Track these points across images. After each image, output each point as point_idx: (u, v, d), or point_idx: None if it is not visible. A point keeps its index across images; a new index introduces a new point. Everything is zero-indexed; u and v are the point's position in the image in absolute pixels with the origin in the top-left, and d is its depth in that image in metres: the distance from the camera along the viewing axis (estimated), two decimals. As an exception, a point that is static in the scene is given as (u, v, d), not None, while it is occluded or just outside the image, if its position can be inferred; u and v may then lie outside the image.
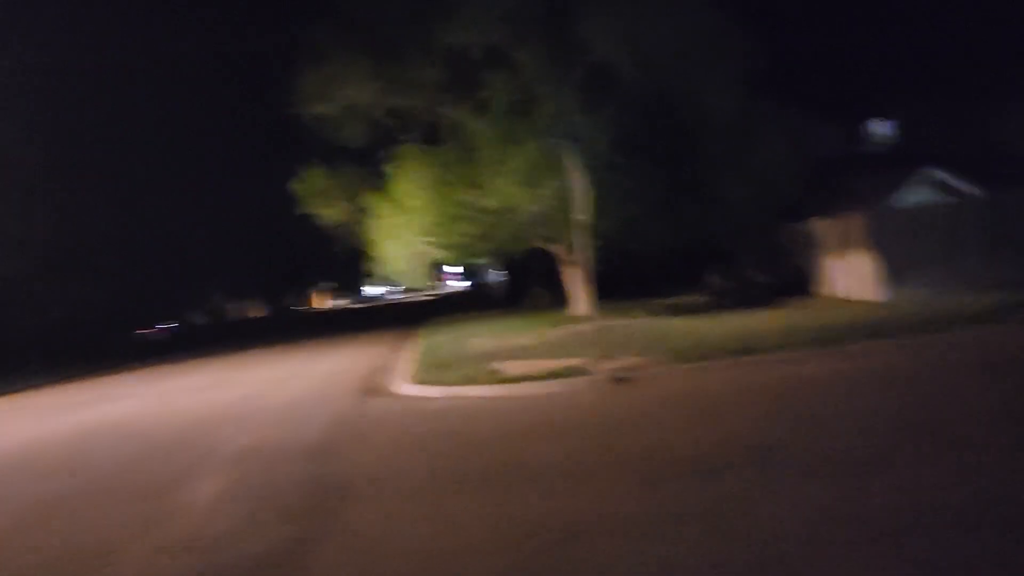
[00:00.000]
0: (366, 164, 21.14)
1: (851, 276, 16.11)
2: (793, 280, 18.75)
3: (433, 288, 61.05)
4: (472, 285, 56.62)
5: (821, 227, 17.47)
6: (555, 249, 20.59)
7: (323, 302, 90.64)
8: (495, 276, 45.21)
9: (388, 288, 72.74)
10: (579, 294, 21.29)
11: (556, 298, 27.78)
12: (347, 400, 10.99)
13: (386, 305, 67.10)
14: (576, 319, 18.80)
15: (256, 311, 77.10)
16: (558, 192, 16.73)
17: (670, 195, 18.98)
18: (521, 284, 33.69)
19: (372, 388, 12.13)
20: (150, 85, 39.15)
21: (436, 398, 10.49)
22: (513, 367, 11.57)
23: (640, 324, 15.35)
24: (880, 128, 25.19)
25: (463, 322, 24.15)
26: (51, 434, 11.19)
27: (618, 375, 9.95)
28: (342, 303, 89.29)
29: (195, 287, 56.29)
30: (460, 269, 54.67)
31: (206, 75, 39.11)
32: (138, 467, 7.96)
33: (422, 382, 11.41)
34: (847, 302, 15.80)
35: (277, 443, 8.22)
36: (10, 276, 33.44)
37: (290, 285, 73.94)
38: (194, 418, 10.88)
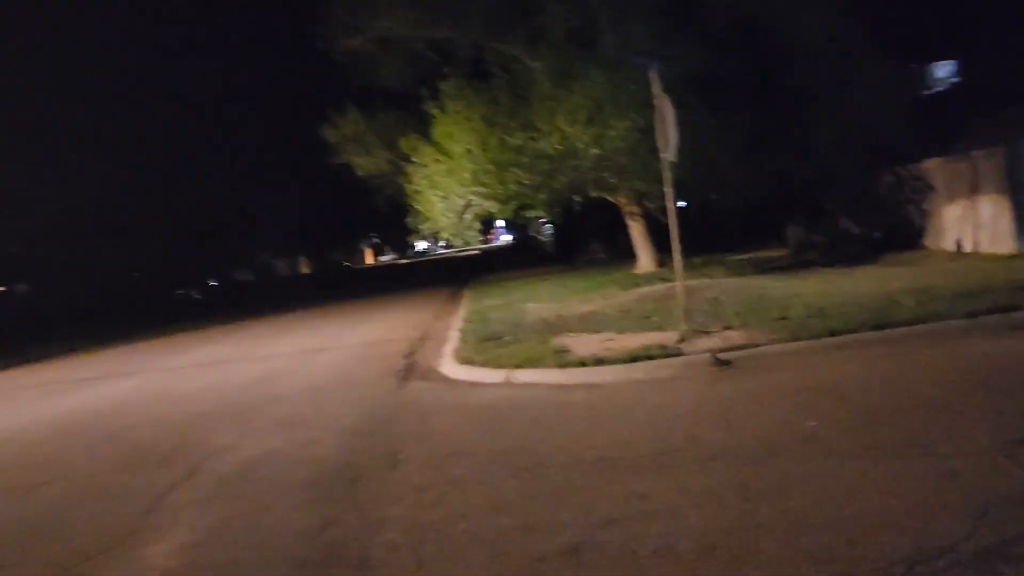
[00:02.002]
0: (406, 108, 19.03)
1: (976, 225, 13.48)
2: (897, 231, 16.14)
3: (481, 243, 59.12)
4: (519, 239, 54.29)
5: (936, 169, 14.77)
6: (618, 199, 18.25)
7: (372, 258, 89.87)
8: (544, 230, 42.89)
9: (435, 243, 70.99)
10: (646, 249, 19.02)
11: (615, 254, 25.49)
12: (381, 386, 9.03)
13: (433, 260, 65.53)
14: (646, 278, 16.55)
15: (305, 267, 76.38)
16: (626, 132, 14.40)
17: (751, 137, 16.50)
18: (574, 238, 31.37)
19: (412, 367, 10.16)
20: (193, 41, 37.57)
21: (491, 385, 8.44)
22: (583, 343, 9.44)
23: (725, 285, 13.05)
24: (943, 69, 22.03)
25: (513, 281, 22.08)
26: (27, 427, 9.51)
27: (720, 356, 7.77)
28: (390, 258, 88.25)
29: (244, 244, 55.43)
30: (505, 222, 52.42)
31: (248, 25, 37.31)
32: (100, 492, 6.12)
33: (473, 362, 9.37)
34: (973, 256, 13.26)
35: (281, 462, 6.27)
36: (47, 236, 32.44)
37: (340, 241, 72.80)
38: (195, 410, 9.05)
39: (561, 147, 14.68)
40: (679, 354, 8.06)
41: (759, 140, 16.90)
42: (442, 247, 74.82)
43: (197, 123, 41.06)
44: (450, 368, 9.57)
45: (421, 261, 69.80)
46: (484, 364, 9.12)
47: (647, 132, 14.29)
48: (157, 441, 7.70)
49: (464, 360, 9.60)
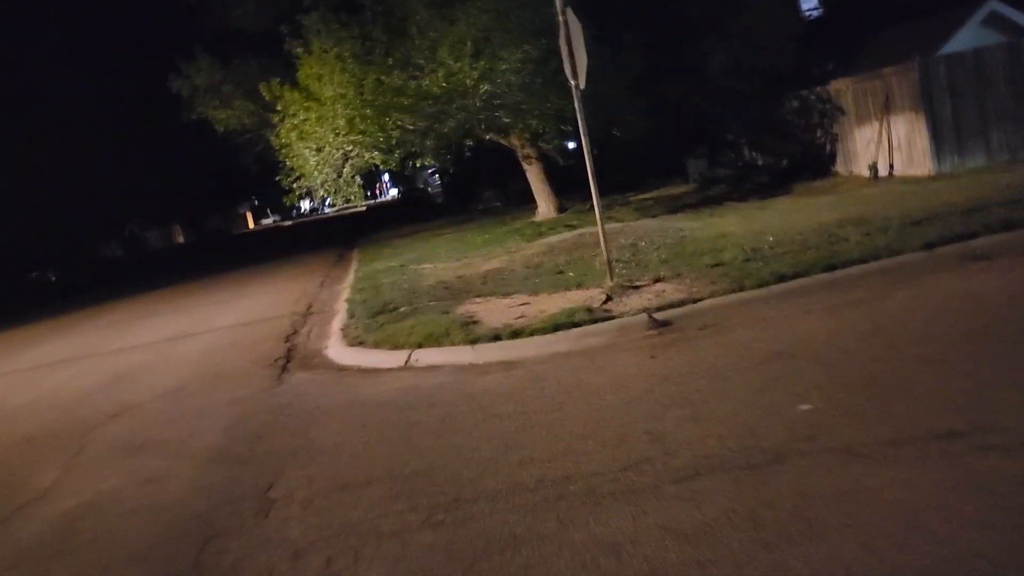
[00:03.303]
0: (268, 52, 16.89)
1: (890, 147, 12.91)
2: (805, 159, 15.52)
3: (367, 199, 56.62)
4: (408, 192, 52.06)
5: (844, 91, 14.09)
6: (512, 141, 16.86)
7: (252, 223, 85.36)
8: (433, 180, 41.06)
9: (319, 202, 67.57)
10: (545, 195, 17.81)
11: (510, 201, 24.18)
12: (255, 382, 7.43)
13: (319, 221, 62.48)
14: (548, 226, 15.34)
15: (179, 237, 71.37)
16: (519, 65, 12.96)
17: (645, 68, 15.49)
18: (466, 187, 29.83)
19: (293, 352, 8.58)
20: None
21: (388, 371, 7.01)
22: (493, 310, 8.12)
23: (639, 228, 11.98)
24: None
25: (405, 238, 20.47)
26: None
27: (657, 316, 6.62)
28: (273, 221, 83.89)
29: (109, 217, 50.76)
30: (391, 175, 50.06)
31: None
32: None
33: (365, 342, 7.89)
34: (890, 180, 12.70)
35: (113, 513, 4.67)
36: None
37: (216, 206, 68.11)
38: (19, 434, 7.18)
39: (447, 85, 13.08)
40: (609, 317, 6.86)
41: (653, 70, 15.93)
42: (330, 207, 71.47)
43: (40, 85, 36.48)
44: (338, 351, 8.07)
45: (307, 222, 66.44)
46: (378, 345, 7.67)
47: (542, 63, 12.95)
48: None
49: (354, 341, 8.12)
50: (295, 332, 9.83)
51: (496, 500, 3.72)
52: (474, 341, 6.97)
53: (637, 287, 7.78)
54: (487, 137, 15.50)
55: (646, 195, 17.91)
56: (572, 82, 7.67)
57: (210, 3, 16.79)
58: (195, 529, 4.12)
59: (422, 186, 44.85)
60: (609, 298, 7.45)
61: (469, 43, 12.84)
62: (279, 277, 17.86)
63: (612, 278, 7.92)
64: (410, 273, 12.35)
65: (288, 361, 8.17)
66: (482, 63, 12.85)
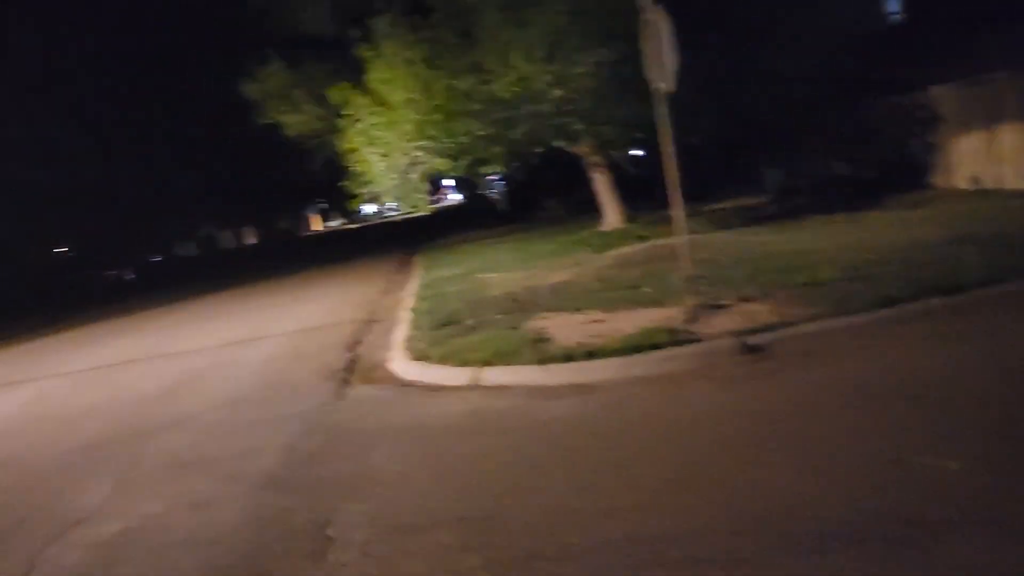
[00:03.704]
0: (337, 57, 16.74)
1: (997, 158, 11.91)
2: (895, 170, 14.52)
3: (431, 204, 56.65)
4: (470, 198, 51.80)
5: (945, 97, 13.11)
6: (581, 148, 16.30)
7: (319, 224, 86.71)
8: (494, 187, 40.73)
9: (384, 206, 68.09)
10: (613, 204, 17.20)
11: (573, 210, 23.59)
12: (315, 396, 7.09)
13: (382, 224, 62.97)
14: (618, 236, 14.72)
15: (250, 238, 72.96)
16: (594, 69, 12.44)
17: (716, 71, 14.75)
18: (528, 194, 29.37)
19: (355, 363, 8.24)
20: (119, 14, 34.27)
21: (453, 389, 6.58)
22: (564, 327, 7.59)
23: (717, 241, 11.28)
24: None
25: (468, 244, 20.16)
26: None
27: (746, 339, 6.01)
28: (337, 224, 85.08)
29: (183, 218, 52.28)
30: (454, 181, 49.89)
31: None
32: None
33: (429, 357, 7.46)
34: (996, 194, 11.69)
35: (156, 545, 4.34)
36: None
37: (284, 208, 69.42)
38: (76, 442, 6.99)
39: (518, 89, 12.62)
40: (692, 339, 6.27)
41: (727, 74, 15.18)
42: (392, 210, 71.97)
43: (120, 94, 37.65)
44: (402, 365, 7.66)
45: (372, 225, 67.11)
46: (444, 360, 7.23)
47: (618, 67, 12.39)
48: (6, 503, 5.66)
49: (418, 355, 7.69)
50: (357, 341, 9.50)
51: (581, 561, 3.21)
52: (544, 360, 6.46)
53: (721, 307, 7.16)
54: (557, 144, 14.98)
55: (721, 205, 17.11)
56: (657, 85, 7.11)
57: (281, 7, 16.73)
58: (244, 570, 3.73)
59: (485, 192, 44.54)
60: (691, 318, 6.86)
61: (542, 46, 12.36)
62: (343, 280, 17.77)
63: (693, 295, 7.33)
64: (475, 282, 11.93)
65: (350, 373, 7.83)
66: (555, 67, 12.37)
